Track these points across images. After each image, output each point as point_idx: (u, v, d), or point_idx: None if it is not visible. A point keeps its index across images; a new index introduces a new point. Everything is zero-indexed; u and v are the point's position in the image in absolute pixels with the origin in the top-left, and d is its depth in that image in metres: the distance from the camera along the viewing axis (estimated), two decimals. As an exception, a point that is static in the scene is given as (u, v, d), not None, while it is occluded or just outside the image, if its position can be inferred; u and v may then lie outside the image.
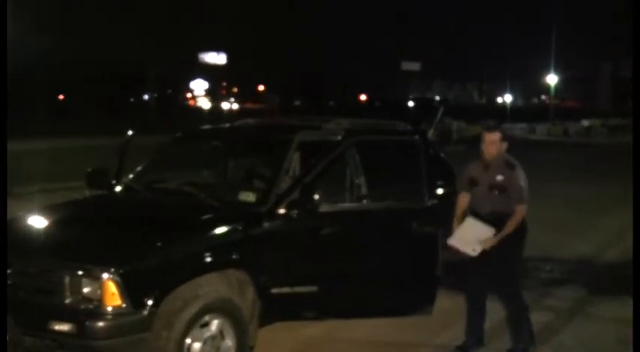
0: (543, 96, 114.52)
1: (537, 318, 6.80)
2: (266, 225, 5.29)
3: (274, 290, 5.32)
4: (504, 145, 5.82)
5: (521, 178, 5.74)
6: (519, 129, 45.34)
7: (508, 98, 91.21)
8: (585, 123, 50.33)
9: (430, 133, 6.93)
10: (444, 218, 6.13)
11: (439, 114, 7.58)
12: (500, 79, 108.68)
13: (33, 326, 4.64)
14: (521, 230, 5.78)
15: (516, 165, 5.79)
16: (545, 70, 69.42)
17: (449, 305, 6.77)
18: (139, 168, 6.67)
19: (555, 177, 17.53)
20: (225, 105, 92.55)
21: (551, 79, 65.38)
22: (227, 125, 7.51)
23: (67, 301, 4.58)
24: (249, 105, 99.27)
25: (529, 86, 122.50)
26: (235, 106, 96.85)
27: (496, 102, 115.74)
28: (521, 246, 5.85)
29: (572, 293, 7.72)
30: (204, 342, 4.85)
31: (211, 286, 4.95)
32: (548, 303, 7.31)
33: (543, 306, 7.20)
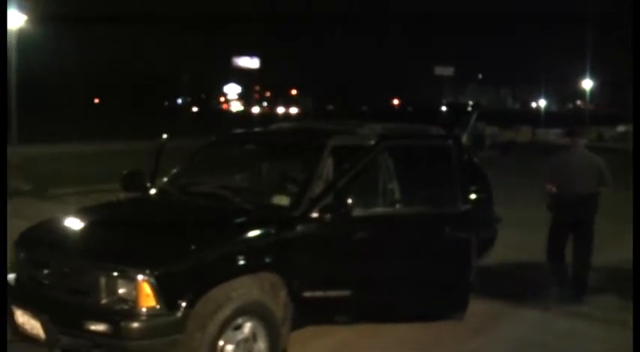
0: (578, 102, 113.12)
1: (569, 325, 6.77)
2: (299, 228, 5.31)
3: (307, 294, 5.33)
4: (566, 140, 8.11)
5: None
6: (554, 134, 44.87)
7: (542, 103, 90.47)
8: (621, 128, 49.47)
9: (464, 138, 6.90)
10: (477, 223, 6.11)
11: (472, 119, 7.55)
12: (534, 83, 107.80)
13: (69, 325, 4.70)
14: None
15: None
16: (580, 75, 68.80)
17: (481, 310, 6.74)
18: (173, 171, 6.74)
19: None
20: (280, 110, 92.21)
21: (587, 84, 64.72)
22: (261, 129, 7.56)
23: (103, 302, 4.64)
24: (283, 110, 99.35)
25: (563, 91, 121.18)
26: (294, 110, 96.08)
27: (530, 108, 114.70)
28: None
29: (605, 300, 7.63)
30: (237, 344, 4.88)
31: (244, 289, 4.98)
32: (580, 310, 7.24)
33: (575, 313, 7.15)
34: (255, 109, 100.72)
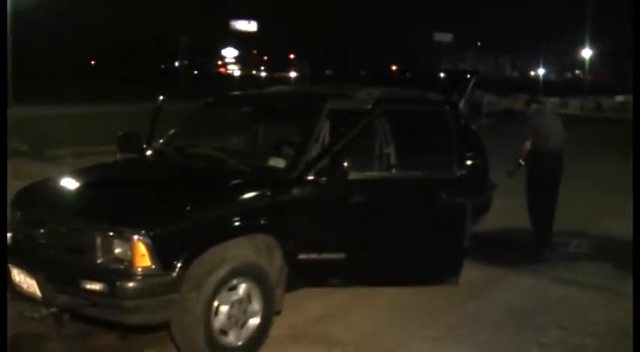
0: (577, 71, 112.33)
1: (564, 292, 6.81)
2: (295, 191, 5.32)
3: (302, 256, 5.36)
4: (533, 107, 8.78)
5: None
6: (551, 103, 44.51)
7: (541, 72, 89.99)
8: (620, 98, 49.17)
9: (461, 105, 6.87)
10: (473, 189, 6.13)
11: (470, 86, 7.50)
12: (534, 52, 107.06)
13: (65, 284, 4.73)
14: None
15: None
16: (580, 44, 68.39)
17: (475, 276, 6.79)
18: (170, 133, 6.73)
19: (587, 152, 17.16)
20: (292, 74, 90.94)
21: (586, 53, 64.39)
22: (258, 91, 7.53)
23: (99, 261, 4.67)
24: (279, 74, 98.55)
25: (562, 60, 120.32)
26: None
27: (529, 76, 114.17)
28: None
29: (601, 269, 7.66)
30: (232, 305, 4.92)
31: (240, 250, 5.01)
32: (575, 278, 7.28)
33: (570, 280, 7.19)
34: (262, 73, 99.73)
